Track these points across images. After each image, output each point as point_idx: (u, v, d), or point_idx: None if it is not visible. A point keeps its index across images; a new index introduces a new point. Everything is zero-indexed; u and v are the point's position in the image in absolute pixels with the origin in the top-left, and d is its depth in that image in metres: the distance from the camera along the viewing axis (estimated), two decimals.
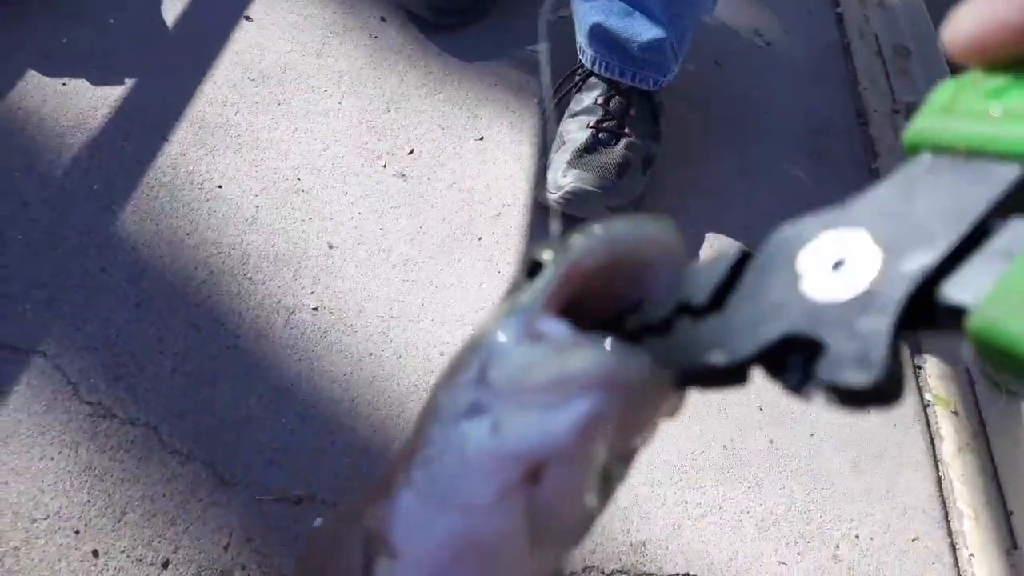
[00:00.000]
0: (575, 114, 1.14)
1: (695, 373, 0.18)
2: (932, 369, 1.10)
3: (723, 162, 1.25)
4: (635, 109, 1.13)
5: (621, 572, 0.85)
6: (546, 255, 0.20)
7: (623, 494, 0.90)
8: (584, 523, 0.21)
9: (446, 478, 0.20)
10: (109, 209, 0.99)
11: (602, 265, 0.20)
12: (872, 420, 1.03)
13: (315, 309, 0.96)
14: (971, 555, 0.96)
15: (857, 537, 0.94)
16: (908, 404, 1.06)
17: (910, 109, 1.38)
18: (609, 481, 0.21)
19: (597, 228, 0.20)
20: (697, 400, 0.99)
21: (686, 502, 0.91)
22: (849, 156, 1.32)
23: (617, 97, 1.13)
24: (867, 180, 1.30)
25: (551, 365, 0.19)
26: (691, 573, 0.87)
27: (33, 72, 1.11)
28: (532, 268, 0.21)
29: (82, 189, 1.01)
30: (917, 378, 1.09)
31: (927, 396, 1.08)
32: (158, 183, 1.03)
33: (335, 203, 1.05)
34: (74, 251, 0.95)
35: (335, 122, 1.13)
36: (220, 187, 1.04)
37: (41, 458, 0.81)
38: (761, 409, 1.00)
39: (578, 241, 0.20)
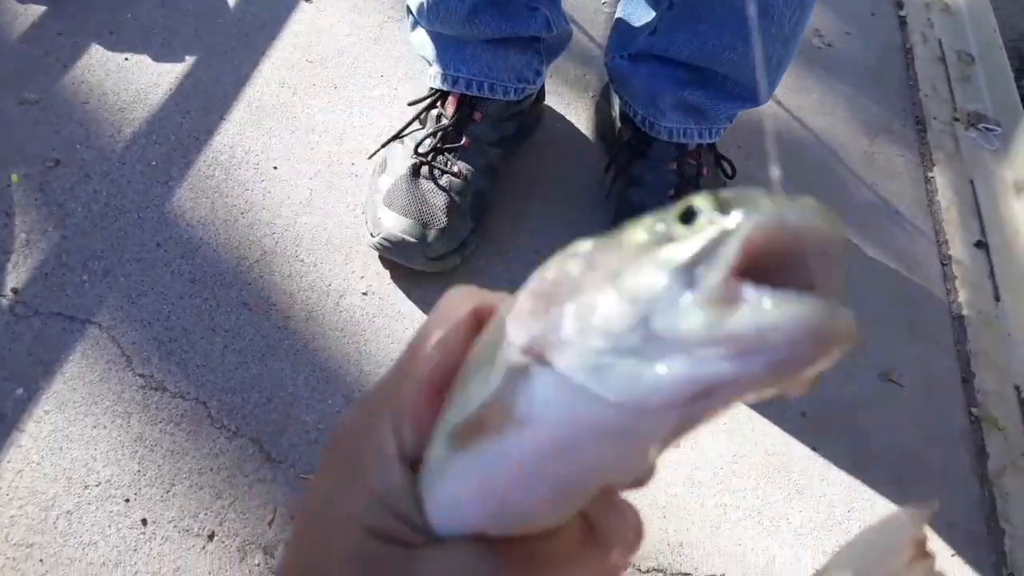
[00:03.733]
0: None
1: None
2: (980, 385, 1.08)
3: (772, 163, 1.23)
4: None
5: (657, 571, 0.86)
6: (727, 214, 0.20)
7: (662, 493, 0.90)
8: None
9: (613, 370, 0.20)
10: (166, 185, 1.01)
11: (769, 243, 0.19)
12: (918, 434, 1.01)
13: (364, 294, 0.96)
14: (1011, 574, 0.95)
15: None
16: (955, 420, 1.05)
17: (971, 118, 1.35)
18: None
19: (770, 204, 0.20)
20: (740, 405, 0.98)
21: (725, 505, 0.91)
22: (904, 163, 1.30)
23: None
24: (923, 189, 1.28)
25: (749, 317, 0.18)
26: (726, 575, 0.87)
27: (97, 46, 1.13)
28: (686, 215, 0.20)
29: (140, 163, 1.02)
30: (965, 394, 1.08)
31: (974, 412, 1.06)
32: (215, 161, 1.04)
33: None
34: (131, 225, 0.97)
35: (390, 108, 1.13)
36: (275, 168, 1.05)
37: (95, 426, 0.83)
38: (804, 415, 1.00)
39: (761, 208, 0.19)
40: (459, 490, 0.22)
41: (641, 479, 0.24)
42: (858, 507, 0.94)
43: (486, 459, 0.22)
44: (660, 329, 0.19)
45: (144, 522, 0.79)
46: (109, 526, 0.78)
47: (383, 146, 1.01)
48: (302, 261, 0.97)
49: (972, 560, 0.95)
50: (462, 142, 0.97)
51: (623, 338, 0.20)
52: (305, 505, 0.25)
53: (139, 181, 1.01)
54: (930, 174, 1.30)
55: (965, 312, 1.15)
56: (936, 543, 0.95)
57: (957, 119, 1.36)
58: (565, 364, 0.20)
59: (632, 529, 0.26)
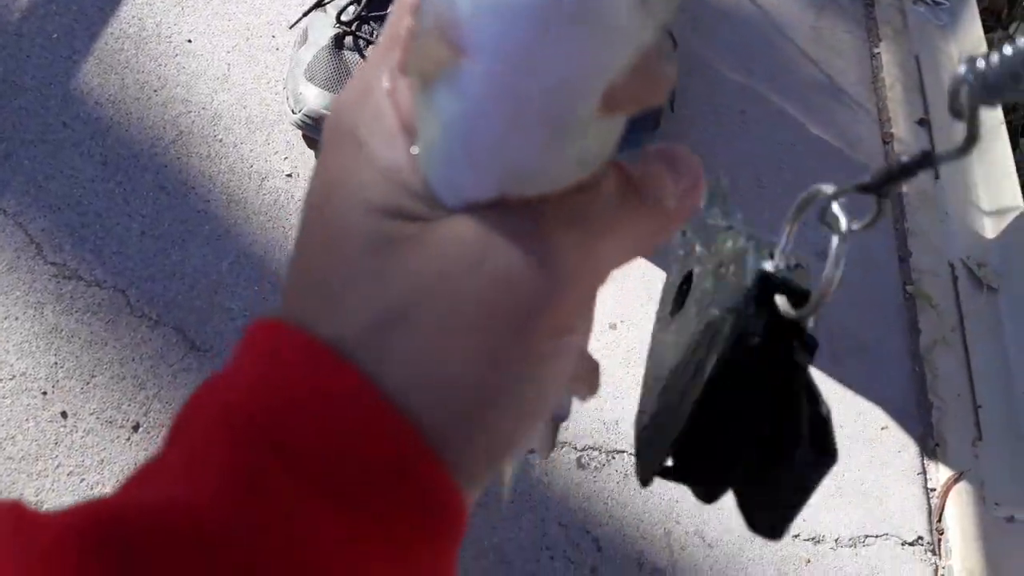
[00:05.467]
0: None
1: None
2: (916, 264, 1.09)
3: (717, 38, 1.19)
4: None
5: (593, 448, 0.86)
6: None
7: None
8: None
9: None
10: (70, 60, 0.93)
11: None
12: (853, 312, 1.02)
13: (289, 175, 0.92)
14: (936, 445, 0.98)
15: None
16: (891, 298, 1.06)
17: None
18: None
19: None
20: None
21: None
22: (851, 39, 1.27)
23: None
24: (868, 66, 1.25)
25: None
26: None
27: None
28: None
29: (40, 36, 0.94)
30: (900, 272, 1.08)
31: (908, 290, 1.07)
32: (123, 34, 0.96)
33: None
34: (33, 104, 0.90)
35: None
36: (190, 41, 0.97)
37: (5, 318, 0.79)
38: None
39: None
40: (453, 150, 0.19)
41: (652, 75, 0.19)
42: None
43: (458, 107, 0.18)
44: None
45: (64, 415, 0.76)
46: (27, 420, 0.75)
47: (304, 15, 0.94)
48: (221, 141, 0.92)
49: (901, 432, 0.97)
50: (388, 10, 0.91)
51: None
52: (310, 194, 0.22)
53: (39, 56, 0.93)
54: (876, 50, 1.27)
55: (904, 191, 1.15)
56: (868, 417, 0.97)
57: None
58: None
59: (683, 175, 0.22)
